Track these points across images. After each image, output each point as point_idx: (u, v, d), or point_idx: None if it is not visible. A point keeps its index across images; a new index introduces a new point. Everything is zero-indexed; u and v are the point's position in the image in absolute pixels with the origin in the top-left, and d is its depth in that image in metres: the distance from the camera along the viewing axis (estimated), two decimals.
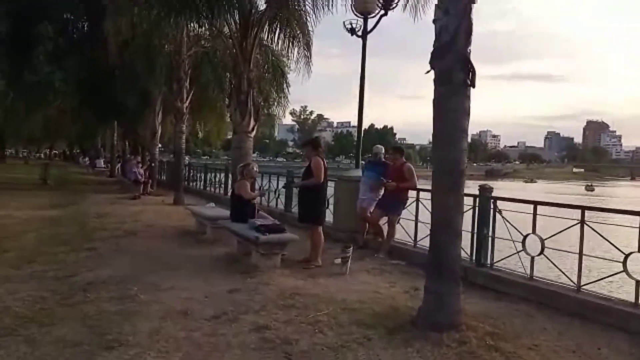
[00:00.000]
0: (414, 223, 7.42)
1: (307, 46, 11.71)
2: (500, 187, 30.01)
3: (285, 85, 14.62)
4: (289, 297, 4.76)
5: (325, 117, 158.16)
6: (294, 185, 6.71)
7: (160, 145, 21.61)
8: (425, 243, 7.27)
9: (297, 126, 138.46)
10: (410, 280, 5.86)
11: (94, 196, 15.57)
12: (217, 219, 7.90)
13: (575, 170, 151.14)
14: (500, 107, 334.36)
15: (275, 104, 16.20)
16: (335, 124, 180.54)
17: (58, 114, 24.76)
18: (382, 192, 7.90)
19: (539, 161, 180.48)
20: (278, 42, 11.35)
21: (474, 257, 6.09)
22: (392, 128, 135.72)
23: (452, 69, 3.95)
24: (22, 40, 15.75)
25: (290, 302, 4.61)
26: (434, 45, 4.13)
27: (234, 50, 9.27)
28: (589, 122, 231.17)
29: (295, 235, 6.27)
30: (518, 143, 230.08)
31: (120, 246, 7.40)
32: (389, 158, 7.81)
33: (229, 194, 15.54)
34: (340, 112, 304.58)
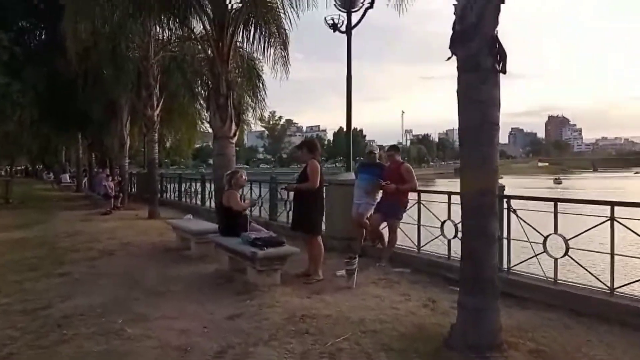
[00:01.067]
0: (414, 227, 6.99)
1: (284, 46, 11.19)
2: None
3: (262, 89, 13.96)
4: (299, 320, 4.20)
5: (294, 122, 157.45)
6: (288, 190, 6.07)
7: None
8: (429, 248, 6.89)
9: (266, 132, 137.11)
10: (423, 291, 5.39)
11: (62, 213, 14.59)
12: (204, 233, 7.25)
13: (540, 164, 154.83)
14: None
15: (251, 109, 15.55)
16: (304, 129, 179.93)
17: (17, 128, 23.45)
18: (379, 195, 7.44)
19: (505, 157, 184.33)
20: (254, 42, 10.84)
21: None
22: (361, 130, 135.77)
23: (479, 54, 3.48)
24: None
25: (302, 327, 4.04)
26: (453, 28, 3.67)
27: (210, 52, 8.65)
28: (550, 117, 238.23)
29: (295, 247, 5.70)
30: None
31: (96, 269, 6.68)
32: (386, 158, 7.33)
33: (213, 205, 14.89)
34: (306, 116, 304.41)
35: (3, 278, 6.34)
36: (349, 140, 8.63)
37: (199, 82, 17.17)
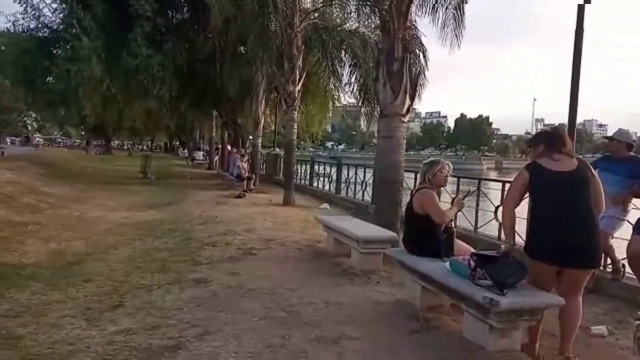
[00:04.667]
0: None
1: (459, 5, 8.97)
2: None
3: (424, 60, 11.67)
4: None
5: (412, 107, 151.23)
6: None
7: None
8: None
9: None
10: None
11: (195, 193, 13.88)
12: (375, 241, 5.40)
13: None
14: (606, 94, 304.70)
15: None
16: (423, 114, 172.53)
17: (157, 104, 24.02)
18: (630, 206, 5.04)
19: None
20: None
21: None
22: (487, 117, 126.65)
23: None
24: (119, 20, 14.43)
25: None
26: None
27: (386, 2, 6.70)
28: None
29: (557, 296, 3.48)
30: None
31: (238, 278, 5.14)
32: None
33: (349, 194, 13.27)
34: (422, 101, 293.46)
35: (129, 279, 5.10)
36: (573, 128, 6.11)
37: (338, 58, 15.54)
